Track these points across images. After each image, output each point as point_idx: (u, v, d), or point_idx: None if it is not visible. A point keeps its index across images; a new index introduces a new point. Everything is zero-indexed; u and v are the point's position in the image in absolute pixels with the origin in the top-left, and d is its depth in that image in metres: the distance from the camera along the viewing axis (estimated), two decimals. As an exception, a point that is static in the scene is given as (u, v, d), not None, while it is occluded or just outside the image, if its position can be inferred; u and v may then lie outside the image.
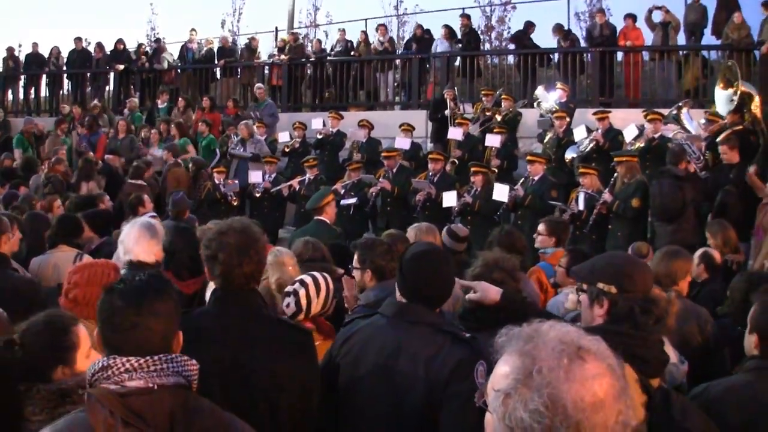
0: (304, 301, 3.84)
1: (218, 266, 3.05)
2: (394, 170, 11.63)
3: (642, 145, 10.73)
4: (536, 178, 10.40)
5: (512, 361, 1.51)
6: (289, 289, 3.92)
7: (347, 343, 3.22)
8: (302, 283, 3.90)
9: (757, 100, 10.29)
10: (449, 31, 16.54)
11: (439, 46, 16.60)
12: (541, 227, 6.88)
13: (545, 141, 12.49)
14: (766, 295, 3.64)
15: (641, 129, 10.93)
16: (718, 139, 9.80)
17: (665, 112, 11.57)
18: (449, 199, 10.31)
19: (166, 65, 18.89)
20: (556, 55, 15.85)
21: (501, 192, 9.98)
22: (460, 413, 2.82)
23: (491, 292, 3.51)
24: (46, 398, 2.69)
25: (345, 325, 3.45)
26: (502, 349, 1.56)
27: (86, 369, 2.77)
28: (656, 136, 10.76)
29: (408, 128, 13.28)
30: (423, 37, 17.14)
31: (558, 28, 16.20)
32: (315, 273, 4.03)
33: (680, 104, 11.45)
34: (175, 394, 2.17)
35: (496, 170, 11.89)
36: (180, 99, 16.87)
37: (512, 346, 1.54)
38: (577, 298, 3.27)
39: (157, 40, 20.64)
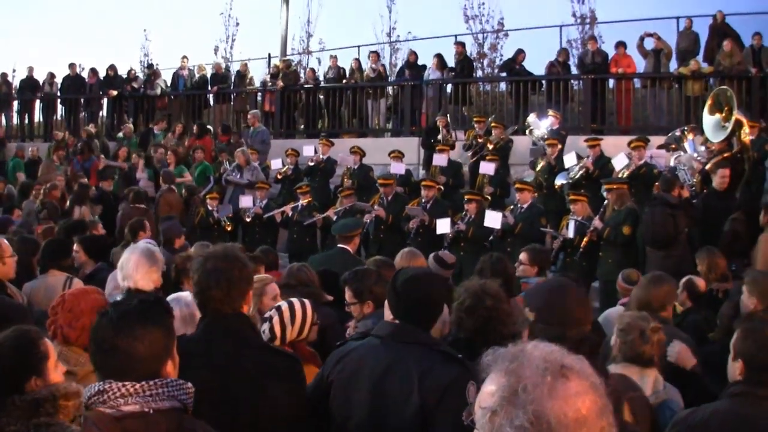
0: (277, 328, 3.83)
1: (194, 287, 3.14)
2: (389, 198, 11.67)
3: (629, 172, 10.77)
4: (525, 205, 10.43)
5: (498, 380, 1.54)
6: (266, 315, 3.93)
7: (341, 363, 3.23)
8: (277, 309, 3.90)
9: (747, 127, 10.36)
10: (440, 61, 16.66)
11: (432, 74, 16.71)
12: (522, 256, 6.68)
13: (537, 169, 12.56)
14: (747, 322, 3.65)
15: (631, 158, 10.96)
16: (707, 166, 9.87)
17: (656, 139, 11.63)
18: (443, 226, 10.33)
19: (159, 91, 18.95)
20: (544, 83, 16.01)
21: (493, 219, 10.00)
22: (450, 430, 2.84)
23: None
24: (20, 408, 2.73)
25: (338, 347, 3.47)
26: (488, 368, 1.60)
27: (56, 380, 2.84)
28: (641, 163, 10.84)
29: (398, 155, 13.29)
30: (416, 64, 17.26)
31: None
32: (293, 299, 4.02)
33: (686, 128, 11.36)
34: (170, 418, 2.18)
35: (490, 198, 11.94)
36: (177, 125, 16.92)
37: (498, 365, 1.57)
38: None
39: (150, 66, 20.68)
